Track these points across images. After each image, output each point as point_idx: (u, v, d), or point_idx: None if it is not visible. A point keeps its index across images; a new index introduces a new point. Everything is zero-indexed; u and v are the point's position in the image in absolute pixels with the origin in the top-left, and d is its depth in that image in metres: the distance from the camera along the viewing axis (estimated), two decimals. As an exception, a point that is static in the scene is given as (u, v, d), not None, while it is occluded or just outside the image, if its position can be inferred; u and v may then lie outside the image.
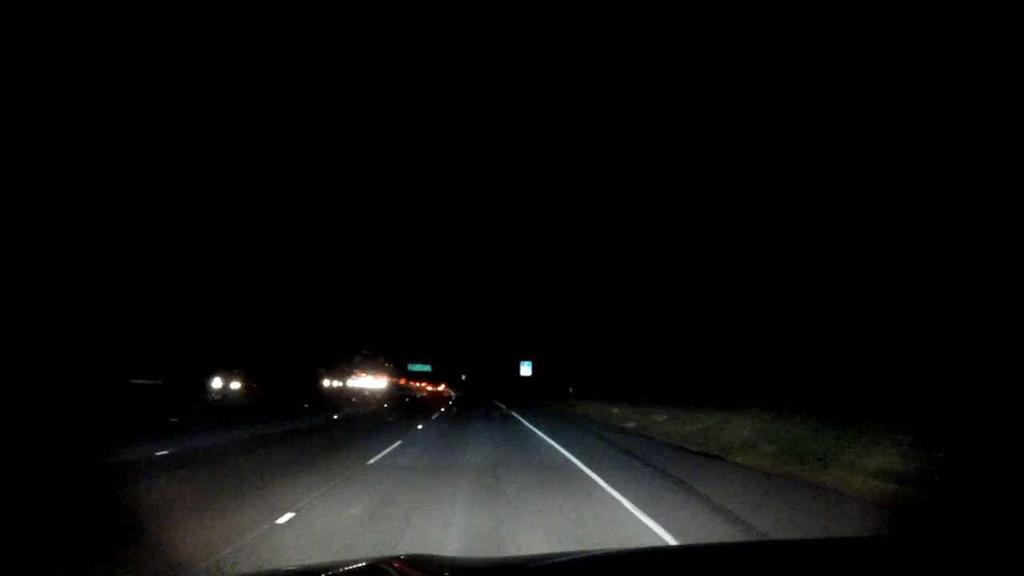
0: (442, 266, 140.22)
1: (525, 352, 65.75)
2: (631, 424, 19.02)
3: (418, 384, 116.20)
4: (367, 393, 60.57)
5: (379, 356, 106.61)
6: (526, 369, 62.06)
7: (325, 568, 1.81)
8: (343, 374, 63.85)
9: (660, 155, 45.42)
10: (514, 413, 26.85)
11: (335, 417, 21.75)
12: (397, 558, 1.81)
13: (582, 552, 2.59)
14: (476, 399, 51.92)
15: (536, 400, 44.30)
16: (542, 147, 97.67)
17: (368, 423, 19.20)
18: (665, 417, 18.76)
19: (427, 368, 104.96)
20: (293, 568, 3.04)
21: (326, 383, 53.74)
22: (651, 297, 40.88)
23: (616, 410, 24.14)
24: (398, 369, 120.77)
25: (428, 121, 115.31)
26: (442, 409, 29.70)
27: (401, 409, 30.47)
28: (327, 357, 78.11)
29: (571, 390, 35.59)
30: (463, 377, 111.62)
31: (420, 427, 17.52)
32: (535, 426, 18.48)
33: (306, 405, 30.09)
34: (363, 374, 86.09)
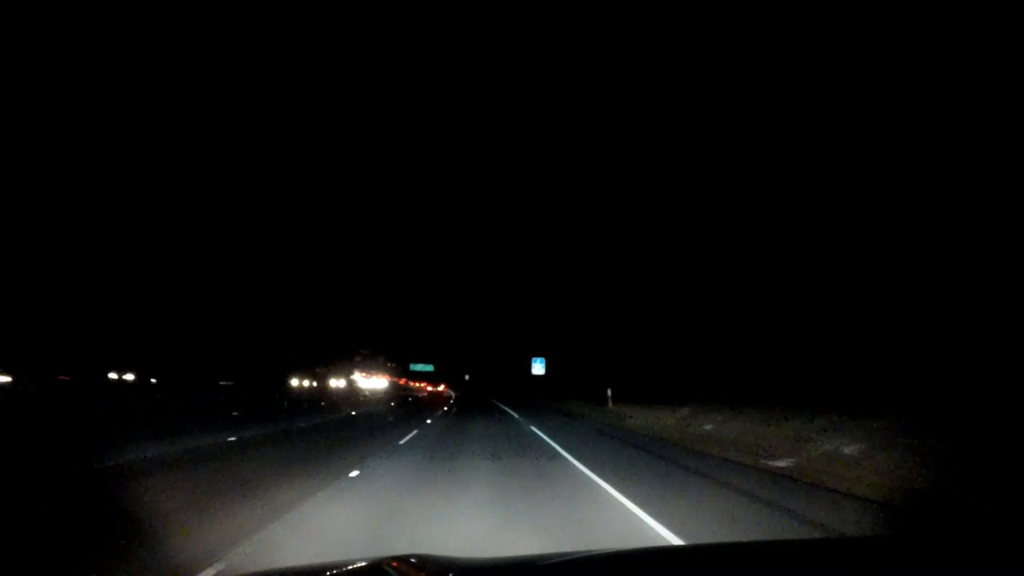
0: (444, 263, 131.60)
1: (536, 348, 56.94)
2: (783, 462, 9.46)
3: (417, 384, 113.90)
4: (367, 393, 53.39)
5: (379, 356, 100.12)
6: (538, 367, 53.22)
7: (325, 568, 1.79)
8: (323, 374, 55.88)
9: (696, 128, 38.59)
10: (536, 429, 17.13)
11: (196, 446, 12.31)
12: (397, 558, 1.68)
13: (585, 552, 2.28)
14: (478, 402, 42.70)
15: (556, 404, 34.78)
16: (556, 122, 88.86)
17: (233, 467, 9.77)
18: (857, 447, 9.25)
19: (429, 368, 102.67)
20: (293, 568, 2.43)
21: (295, 383, 44.47)
22: (695, 269, 31.64)
23: (708, 426, 14.62)
24: (401, 369, 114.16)
25: (430, 112, 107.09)
26: (428, 421, 20.01)
27: (367, 420, 21.06)
28: (325, 357, 70.49)
29: (610, 392, 26.11)
30: (466, 377, 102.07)
31: (354, 474, 8.08)
32: (599, 474, 8.88)
33: (235, 413, 21.15)
34: (364, 374, 79.54)
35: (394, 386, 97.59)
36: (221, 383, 53.57)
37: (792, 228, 28.02)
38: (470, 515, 5.65)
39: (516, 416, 24.10)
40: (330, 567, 1.74)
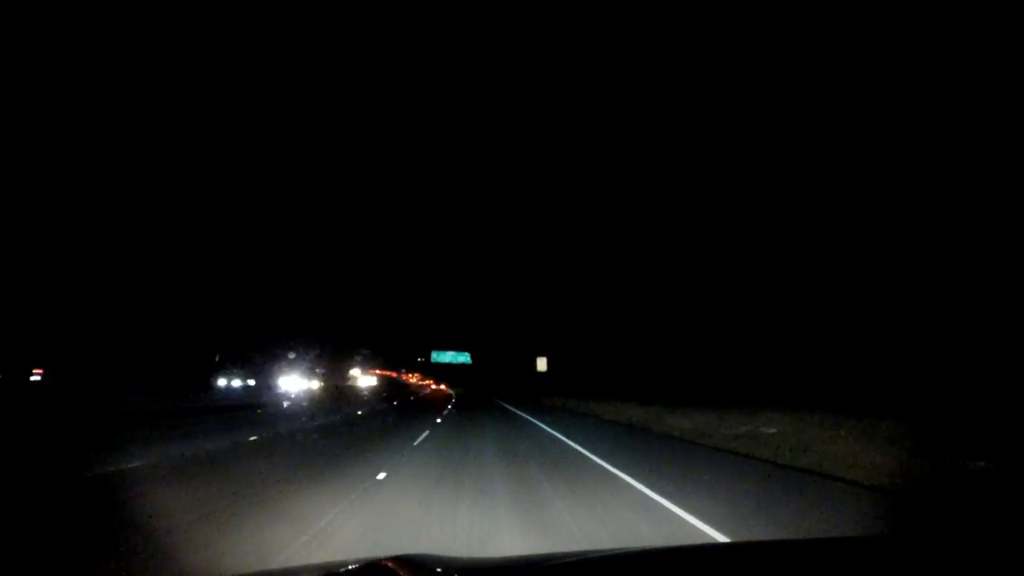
0: (484, 232, 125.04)
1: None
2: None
3: (414, 381, 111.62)
4: (365, 394, 49.52)
5: (378, 358, 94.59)
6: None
7: (324, 568, 1.98)
8: (323, 375, 54.36)
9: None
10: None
11: None
12: (396, 558, 1.77)
13: (585, 552, 2.45)
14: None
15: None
16: (580, 115, 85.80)
17: None
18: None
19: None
20: (293, 568, 2.81)
21: (292, 385, 43.07)
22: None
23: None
24: (423, 360, 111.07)
25: (447, 102, 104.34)
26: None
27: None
28: (328, 357, 68.93)
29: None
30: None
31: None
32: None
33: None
34: (369, 372, 77.87)
35: (390, 383, 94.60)
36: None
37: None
38: None
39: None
40: (330, 567, 1.91)
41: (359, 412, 26.31)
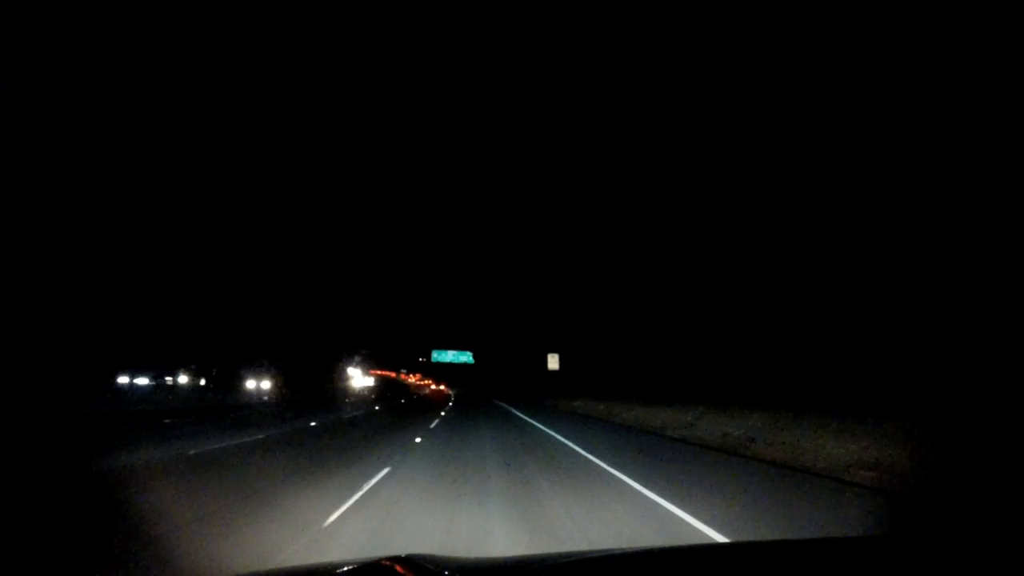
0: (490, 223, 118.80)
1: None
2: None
3: (413, 381, 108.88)
4: (366, 393, 43.82)
5: (371, 359, 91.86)
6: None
7: (324, 568, 1.88)
8: (321, 376, 48.32)
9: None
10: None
11: None
12: (397, 558, 1.75)
13: (583, 552, 2.51)
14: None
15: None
16: (579, 120, 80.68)
17: None
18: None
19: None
20: (293, 568, 2.59)
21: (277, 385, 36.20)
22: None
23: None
24: (424, 360, 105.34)
25: (447, 98, 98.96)
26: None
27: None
28: (325, 359, 63.82)
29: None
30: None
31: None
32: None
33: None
34: (371, 373, 73.65)
35: (387, 383, 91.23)
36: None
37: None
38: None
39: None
40: (328, 567, 1.82)
41: (312, 423, 19.06)
